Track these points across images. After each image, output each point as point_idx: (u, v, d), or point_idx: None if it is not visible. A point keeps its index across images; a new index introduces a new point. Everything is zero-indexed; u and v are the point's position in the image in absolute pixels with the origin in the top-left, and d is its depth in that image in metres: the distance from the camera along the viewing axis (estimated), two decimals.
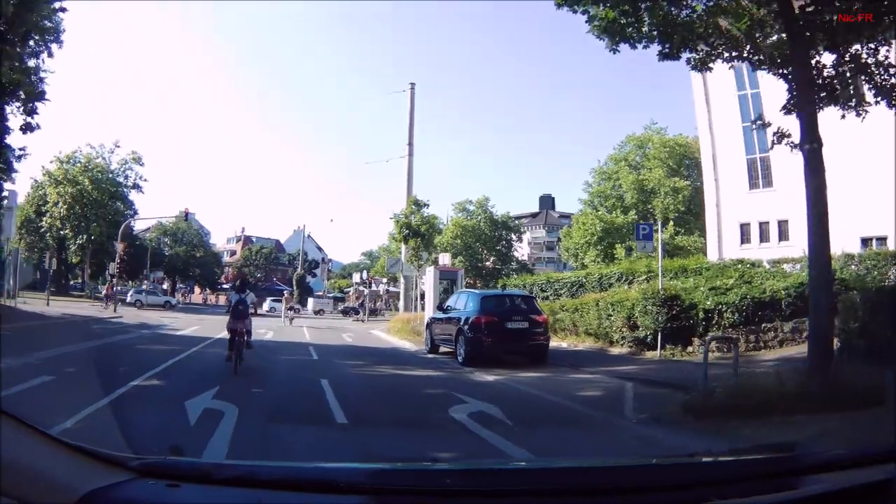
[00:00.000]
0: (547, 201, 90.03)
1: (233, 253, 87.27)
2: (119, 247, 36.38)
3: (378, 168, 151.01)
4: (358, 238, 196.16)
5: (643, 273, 19.01)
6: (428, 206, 28.22)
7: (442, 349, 16.11)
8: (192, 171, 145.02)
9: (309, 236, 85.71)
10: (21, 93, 23.67)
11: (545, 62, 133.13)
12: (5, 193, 24.07)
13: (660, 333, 14.28)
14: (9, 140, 24.39)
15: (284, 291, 31.17)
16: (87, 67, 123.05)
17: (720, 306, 14.17)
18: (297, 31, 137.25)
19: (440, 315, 16.50)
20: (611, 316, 16.22)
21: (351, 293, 68.74)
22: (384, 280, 59.65)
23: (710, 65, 9.77)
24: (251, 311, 12.69)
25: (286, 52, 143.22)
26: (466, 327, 13.97)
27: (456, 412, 7.53)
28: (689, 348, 14.08)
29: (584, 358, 14.48)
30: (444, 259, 27.08)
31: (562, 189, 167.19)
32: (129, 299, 42.39)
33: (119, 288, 36.64)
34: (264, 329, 24.81)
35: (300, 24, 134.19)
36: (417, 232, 26.85)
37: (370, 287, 47.66)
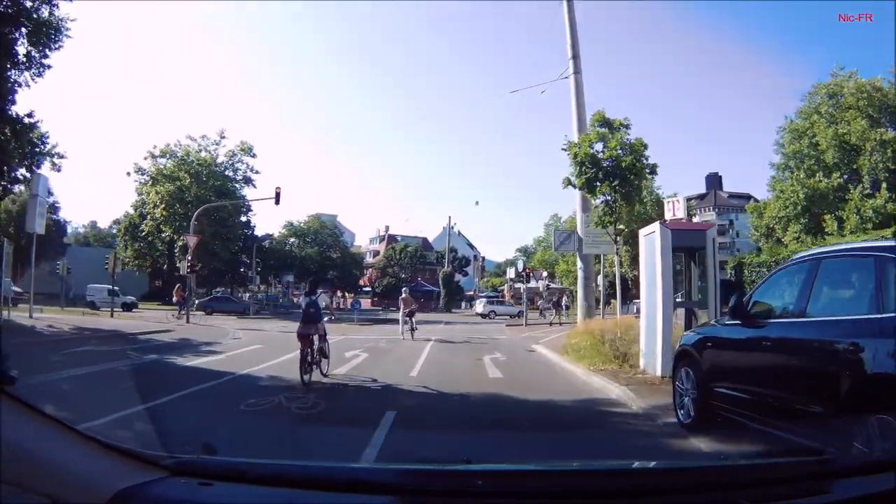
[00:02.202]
0: (714, 180, 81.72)
1: (376, 253, 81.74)
2: (191, 241, 28.18)
3: (529, 139, 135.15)
4: (511, 236, 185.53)
5: None
6: (628, 127, 14.82)
7: (726, 415, 5.85)
8: (336, 173, 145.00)
9: (459, 233, 78.63)
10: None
11: (701, 26, 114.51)
12: (16, 177, 18.37)
13: None
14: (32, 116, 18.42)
15: (403, 292, 21.34)
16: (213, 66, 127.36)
17: None
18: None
19: (731, 334, 6.13)
20: None
21: (505, 290, 64.56)
22: (544, 274, 50.40)
23: None
24: (329, 316, 11.73)
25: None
26: None
27: None
28: None
29: None
30: (676, 208, 13.48)
31: (728, 166, 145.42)
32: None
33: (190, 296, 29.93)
34: (361, 348, 15.70)
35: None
36: (612, 170, 14.12)
37: (527, 282, 37.29)
